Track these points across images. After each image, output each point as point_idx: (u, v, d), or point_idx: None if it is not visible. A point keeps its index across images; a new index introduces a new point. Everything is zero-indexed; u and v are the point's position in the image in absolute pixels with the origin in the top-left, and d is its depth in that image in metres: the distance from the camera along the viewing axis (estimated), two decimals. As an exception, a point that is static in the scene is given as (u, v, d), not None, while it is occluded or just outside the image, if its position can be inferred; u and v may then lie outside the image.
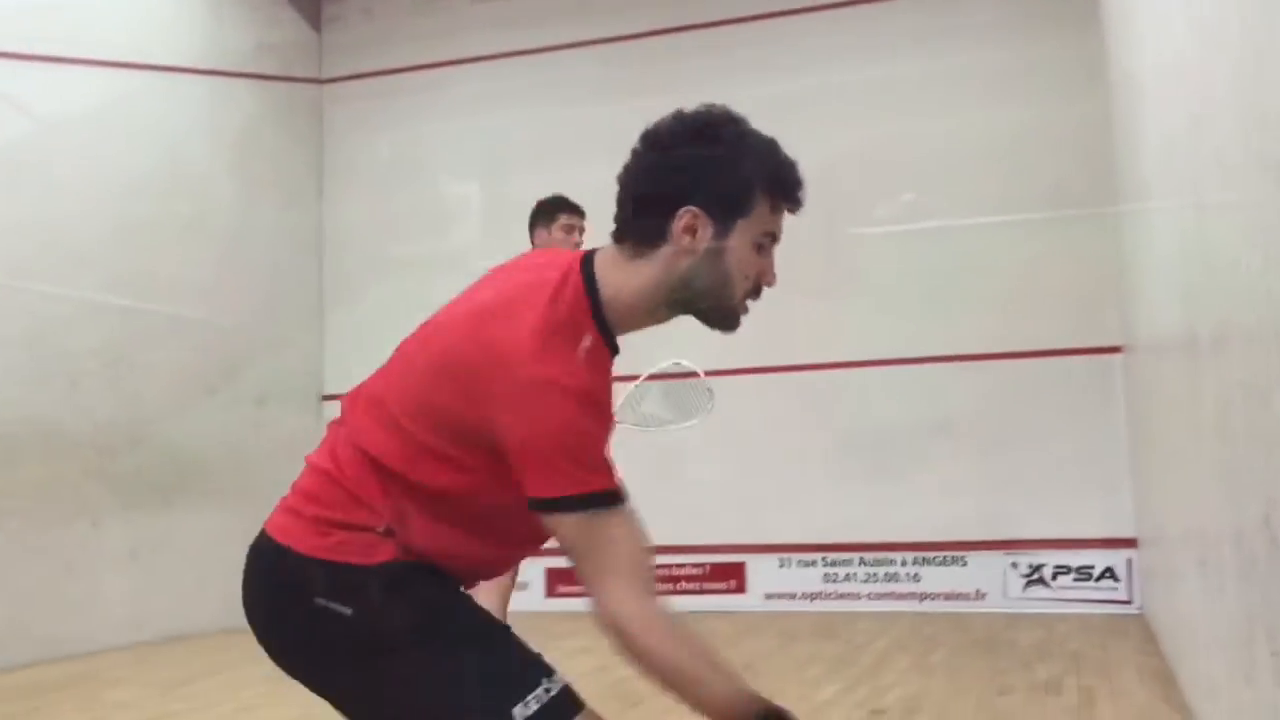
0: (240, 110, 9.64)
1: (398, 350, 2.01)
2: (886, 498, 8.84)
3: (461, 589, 1.97)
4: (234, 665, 7.08)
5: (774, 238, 1.98)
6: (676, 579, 9.38)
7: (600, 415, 1.82)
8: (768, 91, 9.50)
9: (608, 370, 1.89)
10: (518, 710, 1.84)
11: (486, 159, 10.22)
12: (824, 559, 8.98)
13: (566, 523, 1.81)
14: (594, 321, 1.83)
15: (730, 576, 9.28)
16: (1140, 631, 7.29)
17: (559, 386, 1.74)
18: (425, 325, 1.98)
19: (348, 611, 1.80)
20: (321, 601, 1.80)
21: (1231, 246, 2.54)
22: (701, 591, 9.31)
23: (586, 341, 1.80)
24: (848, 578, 8.90)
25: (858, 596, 8.84)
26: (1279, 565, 2.25)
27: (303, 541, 1.84)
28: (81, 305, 7.88)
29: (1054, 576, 8.51)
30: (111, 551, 7.63)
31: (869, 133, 9.27)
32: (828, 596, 8.88)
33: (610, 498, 1.83)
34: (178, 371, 8.53)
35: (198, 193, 8.91)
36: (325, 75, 10.57)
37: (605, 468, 1.84)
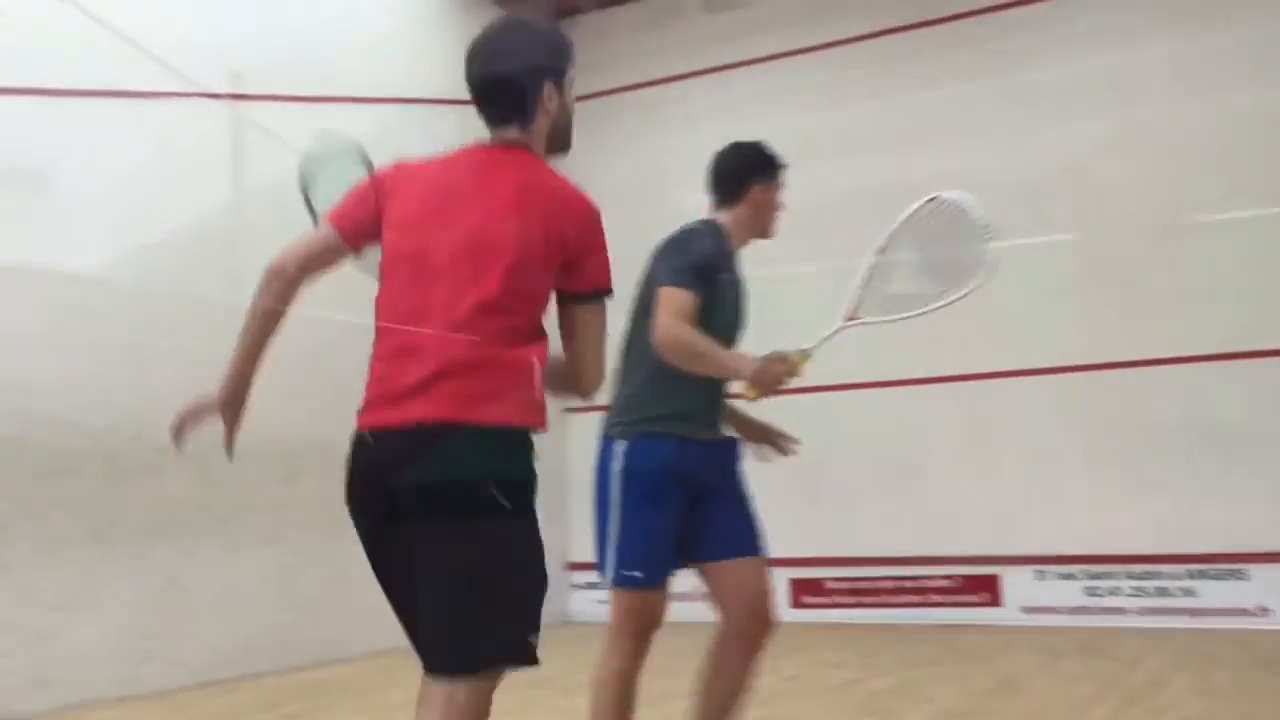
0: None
1: None
2: (1153, 506, 8.30)
3: None
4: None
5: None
6: (926, 590, 9.11)
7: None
8: (1017, 82, 9.17)
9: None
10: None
11: (749, 101, 10.11)
12: (1084, 571, 8.52)
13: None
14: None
15: (984, 589, 8.94)
16: None
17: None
18: None
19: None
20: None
21: None
22: (954, 604, 9.00)
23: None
24: (1112, 592, 8.40)
25: (1123, 611, 8.33)
26: None
27: None
28: (345, 329, 8.37)
29: (1350, 591, 7.76)
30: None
31: (1127, 119, 8.76)
32: (1090, 611, 8.40)
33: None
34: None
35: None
36: (564, 98, 10.88)
37: None
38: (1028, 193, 8.96)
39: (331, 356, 8.16)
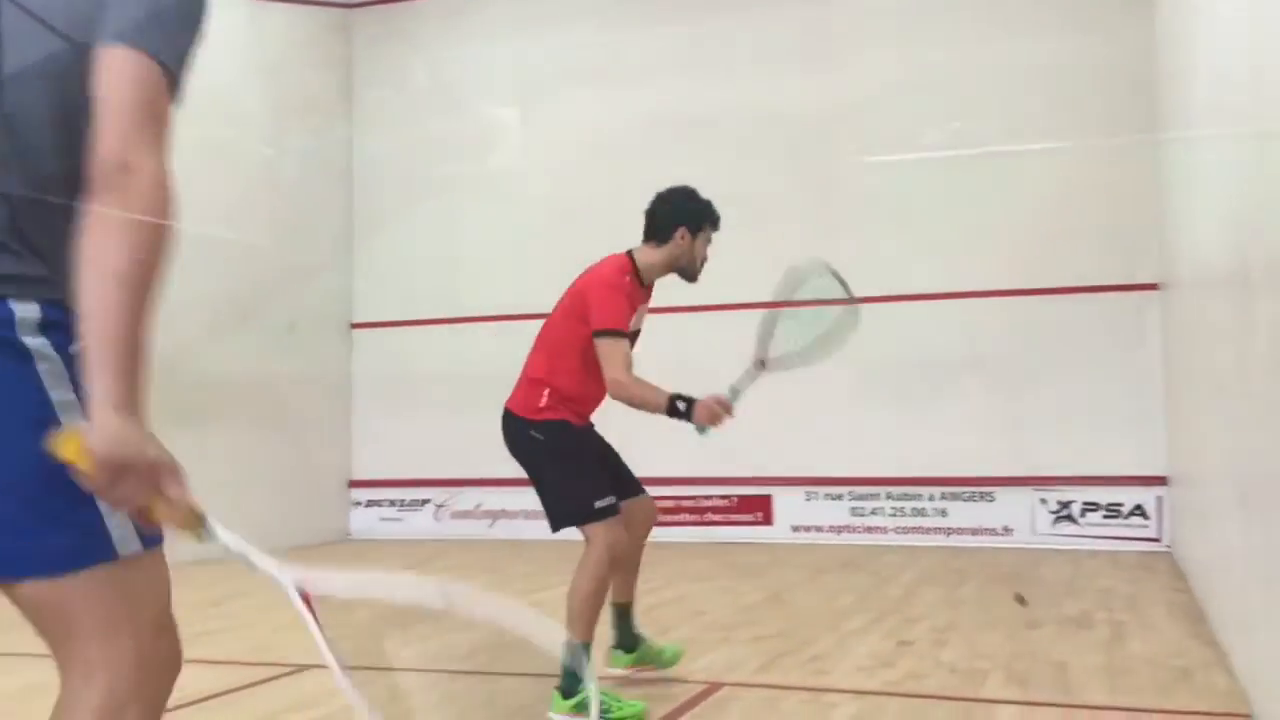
0: (271, 34, 9.54)
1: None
2: (914, 433, 8.81)
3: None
4: (266, 587, 7.17)
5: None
6: (703, 510, 9.42)
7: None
8: (808, 18, 9.35)
9: (636, 288, 4.17)
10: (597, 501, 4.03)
11: (520, 83, 10.09)
12: (850, 493, 8.99)
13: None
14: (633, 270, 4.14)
15: (757, 509, 9.32)
16: (1169, 569, 7.28)
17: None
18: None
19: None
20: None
21: (1298, 175, 2.47)
22: (728, 523, 9.36)
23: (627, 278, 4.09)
24: (874, 512, 8.91)
25: (884, 530, 8.85)
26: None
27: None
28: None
29: (1083, 513, 8.50)
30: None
31: (912, 61, 9.10)
32: (854, 530, 8.90)
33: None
34: (209, 298, 8.53)
35: (228, 116, 8.84)
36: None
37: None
38: (817, 127, 9.23)
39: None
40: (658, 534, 10.02)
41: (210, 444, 8.45)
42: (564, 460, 4.09)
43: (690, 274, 4.30)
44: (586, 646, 3.92)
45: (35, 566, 1.55)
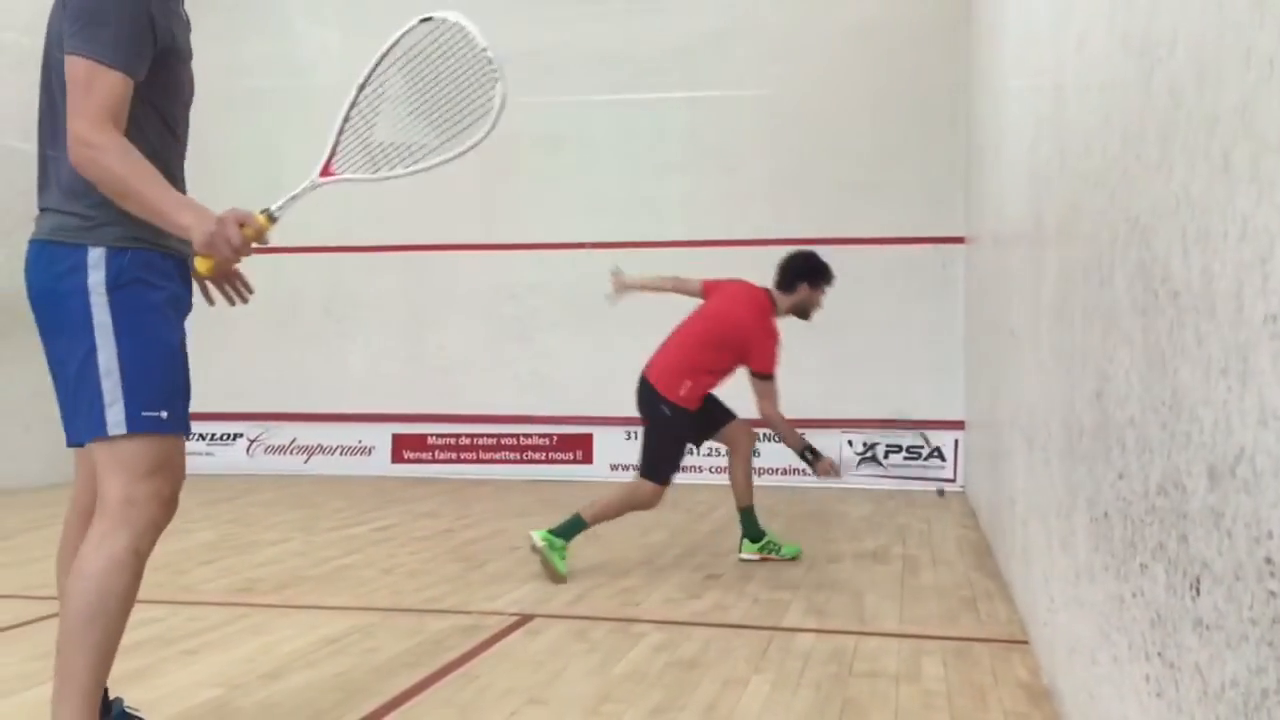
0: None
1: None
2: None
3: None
4: (57, 520, 6.83)
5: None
6: (524, 448, 9.44)
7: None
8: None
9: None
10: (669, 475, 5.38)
11: (345, 5, 9.74)
12: (669, 432, 9.13)
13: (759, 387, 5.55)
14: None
15: (577, 447, 9.38)
16: (962, 508, 7.71)
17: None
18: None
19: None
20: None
21: (1088, 129, 2.61)
22: (548, 461, 9.41)
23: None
24: (690, 451, 9.07)
25: (699, 469, 9.04)
26: (1104, 438, 2.37)
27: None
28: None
29: (886, 455, 8.89)
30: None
31: (732, 12, 9.19)
32: (671, 468, 9.06)
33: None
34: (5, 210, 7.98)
35: (31, 25, 8.23)
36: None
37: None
38: (645, 70, 9.24)
39: None
40: (477, 470, 10.02)
41: (2, 371, 7.97)
42: (675, 440, 5.37)
43: (805, 316, 5.76)
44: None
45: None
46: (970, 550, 5.97)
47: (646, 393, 5.42)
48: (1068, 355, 2.94)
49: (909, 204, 8.92)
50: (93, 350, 2.38)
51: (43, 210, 2.51)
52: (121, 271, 2.41)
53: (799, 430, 5.90)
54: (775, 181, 9.10)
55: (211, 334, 10.34)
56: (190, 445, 10.02)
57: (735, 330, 5.49)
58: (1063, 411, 3.04)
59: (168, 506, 2.48)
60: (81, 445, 2.52)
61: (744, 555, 5.60)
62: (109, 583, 2.38)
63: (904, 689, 3.44)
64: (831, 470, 5.72)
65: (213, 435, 9.84)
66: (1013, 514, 4.62)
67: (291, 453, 9.81)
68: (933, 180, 8.86)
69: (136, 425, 2.39)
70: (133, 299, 2.41)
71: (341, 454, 9.77)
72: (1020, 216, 4.31)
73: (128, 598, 2.42)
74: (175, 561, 5.48)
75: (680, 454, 5.42)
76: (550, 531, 5.14)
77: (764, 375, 5.45)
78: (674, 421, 5.36)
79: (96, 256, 2.40)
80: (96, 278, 2.39)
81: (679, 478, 5.55)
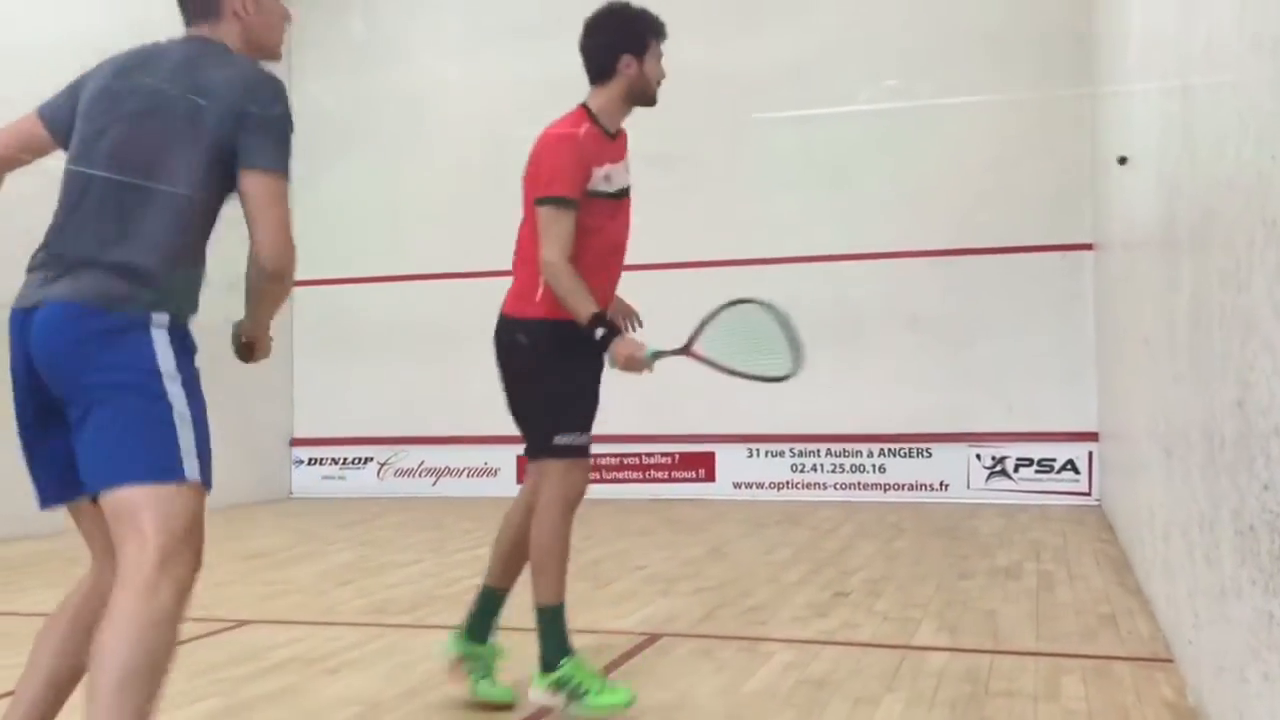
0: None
1: None
2: (854, 390, 8.91)
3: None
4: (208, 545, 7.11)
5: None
6: (646, 467, 9.49)
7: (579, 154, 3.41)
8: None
9: (599, 139, 3.47)
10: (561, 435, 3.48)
11: (463, 36, 9.98)
12: (791, 449, 9.10)
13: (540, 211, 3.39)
14: (589, 119, 3.48)
15: (699, 465, 9.40)
16: (1098, 521, 7.48)
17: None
18: None
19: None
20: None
21: (1220, 132, 2.54)
22: (670, 480, 9.44)
23: (583, 128, 3.43)
24: (814, 468, 9.03)
25: (824, 487, 8.98)
26: (1247, 448, 2.30)
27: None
28: (41, 176, 7.71)
29: (1016, 469, 8.68)
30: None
31: (850, 20, 9.13)
32: (795, 486, 9.01)
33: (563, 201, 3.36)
34: None
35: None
36: (291, -51, 10.24)
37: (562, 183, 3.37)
38: (755, 86, 9.24)
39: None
40: (600, 490, 10.09)
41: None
42: (552, 374, 3.46)
43: (649, 99, 3.55)
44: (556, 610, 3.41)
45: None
46: (1108, 565, 5.79)
47: (500, 336, 3.52)
48: (1206, 363, 2.85)
49: (1034, 211, 8.73)
50: (162, 399, 2.31)
51: (85, 262, 2.34)
52: (185, 337, 2.44)
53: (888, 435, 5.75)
54: (892, 194, 8.99)
55: (340, 364, 10.74)
56: (324, 470, 10.45)
57: (532, 162, 3.48)
58: (1202, 421, 2.94)
59: (200, 560, 2.34)
60: (84, 498, 2.36)
61: (535, 695, 3.38)
62: (163, 636, 2.18)
63: (1043, 709, 3.36)
64: (635, 361, 3.50)
65: (344, 460, 10.15)
66: (1152, 527, 4.47)
67: (420, 475, 10.05)
68: (1058, 186, 8.65)
69: (206, 478, 2.36)
70: (190, 363, 2.43)
71: (468, 476, 9.97)
72: (1150, 222, 4.19)
73: (174, 651, 2.23)
74: (315, 584, 5.67)
75: (581, 394, 3.57)
76: (466, 637, 3.56)
77: (541, 200, 3.35)
78: (535, 347, 3.43)
79: (160, 319, 2.35)
80: (163, 342, 2.35)
81: (798, 494, 5.42)
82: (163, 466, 2.29)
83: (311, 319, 10.20)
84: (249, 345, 2.70)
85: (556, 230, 3.32)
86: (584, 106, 3.49)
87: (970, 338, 8.80)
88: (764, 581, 5.56)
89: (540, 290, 3.38)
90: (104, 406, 2.28)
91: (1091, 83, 7.94)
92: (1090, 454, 8.47)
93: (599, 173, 3.42)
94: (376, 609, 5.07)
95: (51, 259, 2.37)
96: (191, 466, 2.31)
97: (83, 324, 2.29)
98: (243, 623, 4.71)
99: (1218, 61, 2.54)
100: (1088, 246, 8.42)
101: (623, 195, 3.53)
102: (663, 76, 3.56)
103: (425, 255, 9.94)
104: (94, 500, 2.32)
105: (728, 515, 8.16)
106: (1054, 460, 8.61)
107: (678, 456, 9.45)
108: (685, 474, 9.44)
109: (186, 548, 2.27)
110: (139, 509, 2.25)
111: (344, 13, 10.24)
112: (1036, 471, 8.65)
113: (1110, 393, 7.25)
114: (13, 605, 5.24)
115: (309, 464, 10.15)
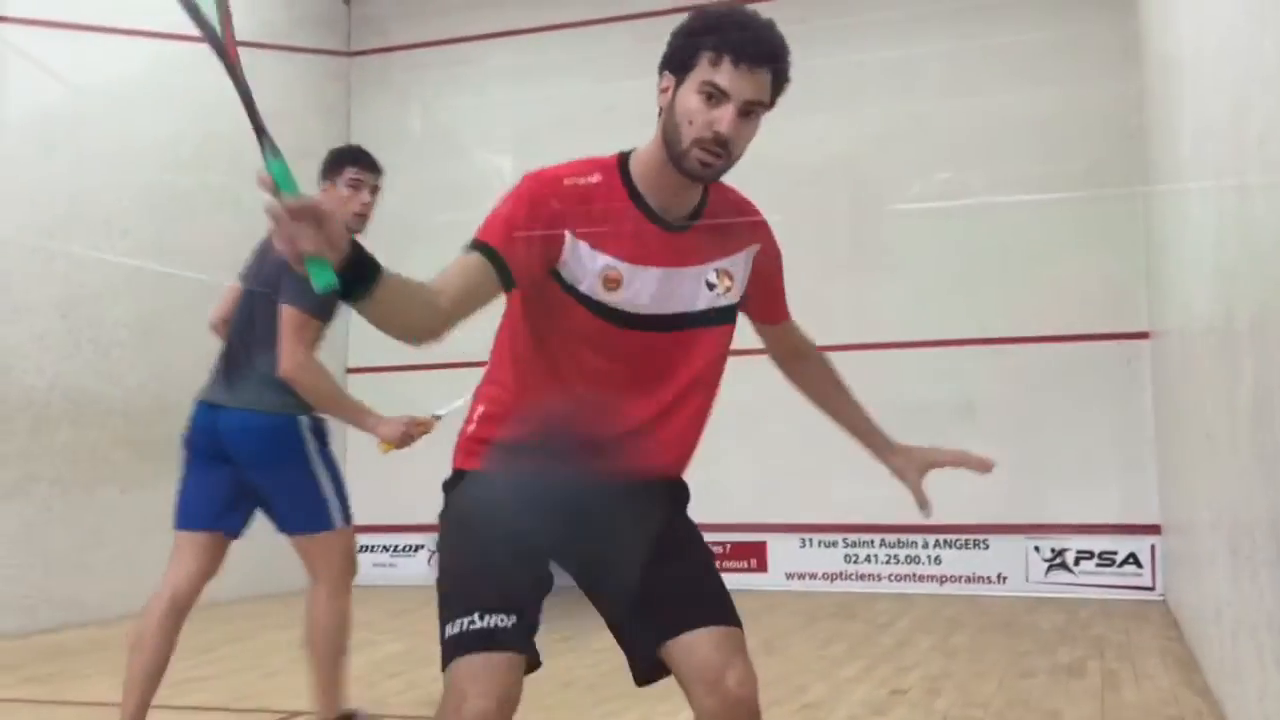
0: (269, 82, 9.64)
1: None
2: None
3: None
4: (257, 633, 7.15)
5: (718, 88, 2.12)
6: (697, 557, 9.40)
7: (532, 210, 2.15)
8: (800, 67, 9.46)
9: (599, 199, 2.16)
10: (446, 628, 2.08)
11: (517, 133, 10.21)
12: (845, 540, 8.98)
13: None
14: (618, 173, 2.21)
15: (751, 555, 9.30)
16: (1162, 617, 7.27)
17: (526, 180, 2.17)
18: None
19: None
20: None
21: (1274, 230, 2.52)
22: (721, 570, 9.30)
23: (593, 178, 2.17)
24: (869, 559, 8.90)
25: (878, 578, 8.84)
26: (1318, 549, 2.24)
27: None
28: (114, 273, 7.94)
29: (1076, 561, 8.50)
30: (139, 519, 7.70)
31: (902, 111, 9.23)
32: (848, 577, 8.88)
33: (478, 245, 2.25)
34: (208, 341, 8.56)
35: (228, 164, 8.92)
36: (354, 48, 10.58)
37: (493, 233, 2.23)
38: (807, 177, 9.33)
39: (90, 305, 7.73)
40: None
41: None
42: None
43: (674, 146, 2.20)
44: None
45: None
46: (1175, 664, 5.62)
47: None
48: (1270, 459, 2.80)
49: (1087, 299, 8.67)
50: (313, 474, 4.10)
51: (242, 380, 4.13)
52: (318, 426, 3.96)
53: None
54: (942, 281, 8.98)
55: (389, 455, 10.81)
56: (374, 557, 10.48)
57: None
58: (1270, 519, 2.88)
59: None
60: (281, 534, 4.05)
61: None
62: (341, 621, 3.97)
63: (1109, 817, 3.25)
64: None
65: (395, 547, 10.16)
66: (1219, 626, 4.35)
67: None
68: (1112, 274, 8.59)
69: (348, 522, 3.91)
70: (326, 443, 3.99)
71: (519, 564, 9.93)
72: (1208, 314, 4.15)
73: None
74: (366, 674, 5.65)
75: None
76: None
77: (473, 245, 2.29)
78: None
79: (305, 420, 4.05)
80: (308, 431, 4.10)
81: (852, 585, 5.37)
82: (317, 521, 4.12)
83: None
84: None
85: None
86: (623, 154, 2.26)
87: (1027, 427, 8.69)
88: (819, 677, 5.45)
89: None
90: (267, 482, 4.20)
91: (1145, 174, 7.93)
92: (1153, 547, 8.28)
93: (585, 255, 2.13)
94: (425, 701, 5.03)
95: None
96: (338, 518, 4.12)
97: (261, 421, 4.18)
98: (295, 714, 4.70)
99: (1272, 158, 2.53)
100: (1144, 335, 8.33)
101: (648, 325, 2.22)
102: (710, 121, 2.11)
103: (478, 343, 10.02)
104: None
105: (781, 606, 8.04)
106: (1115, 554, 8.42)
107: (729, 546, 9.36)
108: (737, 564, 9.34)
109: (349, 569, 4.07)
110: (309, 550, 4.12)
111: (402, 110, 10.53)
112: (1098, 565, 8.45)
113: (1172, 485, 7.10)
114: (78, 694, 5.27)
115: (360, 550, 10.18)
